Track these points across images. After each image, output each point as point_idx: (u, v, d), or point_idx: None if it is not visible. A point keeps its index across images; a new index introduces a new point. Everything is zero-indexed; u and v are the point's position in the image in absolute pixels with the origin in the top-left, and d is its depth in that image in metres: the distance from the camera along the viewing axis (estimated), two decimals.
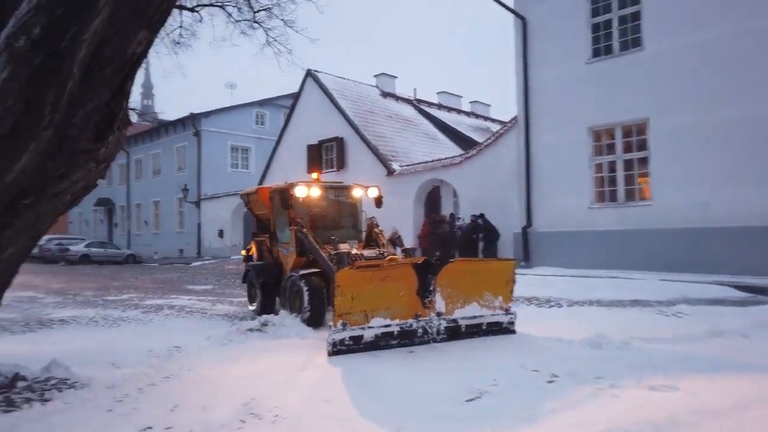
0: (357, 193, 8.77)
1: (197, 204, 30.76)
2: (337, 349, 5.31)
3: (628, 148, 13.86)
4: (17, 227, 4.22)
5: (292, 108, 24.98)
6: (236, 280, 14.99)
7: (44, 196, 4.27)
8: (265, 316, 6.74)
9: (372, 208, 8.86)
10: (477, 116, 30.66)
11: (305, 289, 6.97)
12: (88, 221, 41.61)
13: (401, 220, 17.92)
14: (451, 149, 24.34)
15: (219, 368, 4.89)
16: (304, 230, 7.73)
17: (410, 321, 5.66)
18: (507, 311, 6.29)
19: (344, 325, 5.34)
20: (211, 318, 8.36)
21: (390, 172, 19.86)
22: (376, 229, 8.28)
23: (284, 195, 8.09)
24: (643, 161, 13.52)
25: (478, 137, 25.73)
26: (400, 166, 19.94)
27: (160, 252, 33.24)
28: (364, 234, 8.58)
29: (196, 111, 30.93)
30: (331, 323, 5.53)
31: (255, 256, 9.52)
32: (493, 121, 31.71)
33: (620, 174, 13.93)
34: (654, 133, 13.19)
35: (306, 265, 7.63)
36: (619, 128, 13.89)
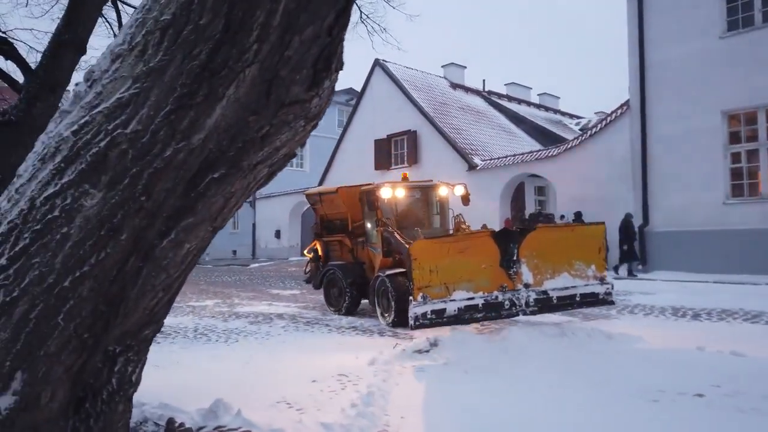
0: (443, 191, 8.60)
1: (252, 204, 29.75)
2: (420, 323, 5.40)
3: None
4: (199, 213, 2.77)
5: (358, 101, 23.61)
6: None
7: (238, 168, 2.80)
8: (434, 336, 5.26)
9: (458, 206, 8.64)
10: (547, 109, 28.78)
11: (391, 289, 6.93)
12: None
13: (484, 219, 16.08)
14: (528, 143, 22.62)
15: (436, 415, 3.42)
16: (390, 229, 7.61)
17: (496, 293, 5.69)
18: (602, 280, 6.18)
19: (424, 298, 5.42)
20: (342, 332, 6.94)
21: (471, 166, 18.26)
22: (463, 226, 8.18)
23: (371, 196, 8.18)
24: None
25: (555, 130, 23.93)
26: (482, 161, 18.32)
27: (212, 253, 32.38)
28: (451, 232, 8.33)
29: None
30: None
31: (321, 257, 9.48)
32: (563, 114, 29.79)
33: (764, 164, 12.04)
34: None
35: (393, 265, 7.54)
36: (762, 111, 12.00)
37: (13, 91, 10.36)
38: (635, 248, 12.84)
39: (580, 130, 26.05)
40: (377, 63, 22.25)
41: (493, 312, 5.68)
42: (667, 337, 5.54)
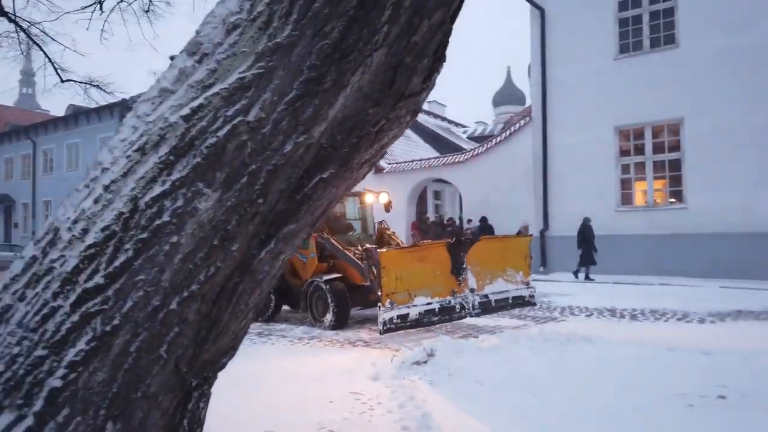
0: (369, 198, 8.86)
1: None
2: (387, 328, 5.70)
3: (658, 149, 13.39)
4: (302, 219, 2.32)
5: None
6: None
7: (348, 167, 2.38)
8: (429, 345, 5.06)
9: (380, 213, 9.05)
10: (435, 116, 29.78)
11: (329, 294, 7.11)
12: None
13: (391, 222, 16.13)
14: (424, 148, 23.19)
15: None
16: (325, 235, 7.74)
17: (449, 298, 6.18)
18: (528, 285, 7.01)
19: (392, 304, 5.74)
20: (305, 342, 6.44)
21: (378, 169, 18.26)
22: (388, 232, 8.50)
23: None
24: (675, 163, 13.10)
25: (449, 137, 24.84)
26: (389, 164, 18.42)
27: None
28: (374, 237, 8.64)
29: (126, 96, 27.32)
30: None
31: None
32: (450, 122, 31.05)
33: (650, 176, 13.44)
34: (689, 134, 12.79)
35: (327, 270, 7.70)
36: (649, 128, 13.39)
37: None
38: (593, 252, 12.75)
39: (467, 138, 27.34)
40: None
41: (447, 315, 6.19)
42: (631, 338, 5.85)
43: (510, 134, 15.59)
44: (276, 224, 2.18)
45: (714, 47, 12.39)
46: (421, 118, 26.88)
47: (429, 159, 17.57)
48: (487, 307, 6.53)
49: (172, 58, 2.29)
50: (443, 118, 30.57)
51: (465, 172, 16.17)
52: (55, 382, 1.79)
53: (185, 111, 1.92)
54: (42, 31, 11.98)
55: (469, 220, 15.45)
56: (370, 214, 9.07)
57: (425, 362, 4.89)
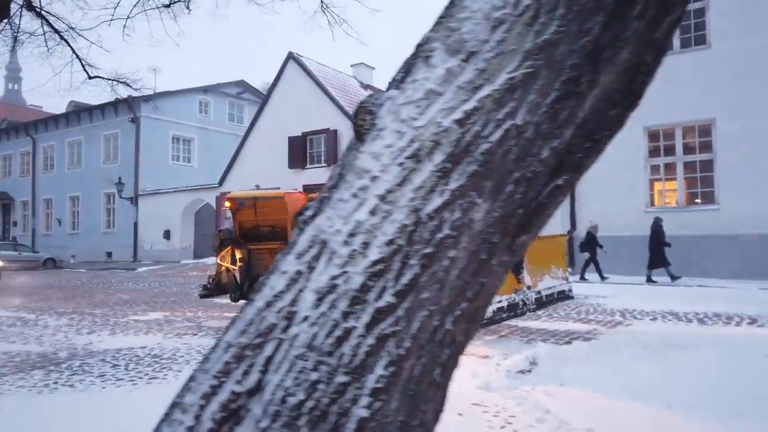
0: None
1: (134, 201, 26.76)
2: None
3: (688, 150, 13.43)
4: (534, 229, 2.19)
5: (268, 95, 22.33)
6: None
7: (579, 174, 2.26)
8: (532, 352, 4.97)
9: None
10: None
11: None
12: None
13: None
14: None
15: None
16: None
17: (512, 295, 6.38)
18: (566, 280, 7.40)
19: None
20: None
21: None
22: None
23: None
24: (705, 164, 13.14)
25: None
26: None
27: (80, 255, 28.59)
28: None
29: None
30: None
31: (241, 265, 8.80)
32: None
33: (680, 176, 13.48)
34: (721, 135, 12.84)
35: None
36: (679, 129, 13.42)
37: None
38: (665, 253, 12.42)
39: None
40: (291, 57, 21.23)
41: (512, 312, 6.42)
42: (720, 343, 5.80)
43: None
44: (514, 236, 2.09)
45: (745, 48, 12.43)
46: None
47: None
48: (540, 303, 6.88)
49: (419, 45, 2.14)
50: None
51: None
52: (361, 411, 1.67)
53: (458, 115, 1.80)
54: (69, 27, 11.70)
55: None
56: None
57: (529, 371, 4.80)
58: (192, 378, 1.72)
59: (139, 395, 4.70)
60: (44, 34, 11.87)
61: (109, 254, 27.90)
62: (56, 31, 11.50)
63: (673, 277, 12.44)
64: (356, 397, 1.63)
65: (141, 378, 5.26)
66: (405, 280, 1.65)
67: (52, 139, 31.27)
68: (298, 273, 1.75)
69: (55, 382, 5.19)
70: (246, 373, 1.70)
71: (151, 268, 22.79)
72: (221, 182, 23.45)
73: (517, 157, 1.84)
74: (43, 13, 11.17)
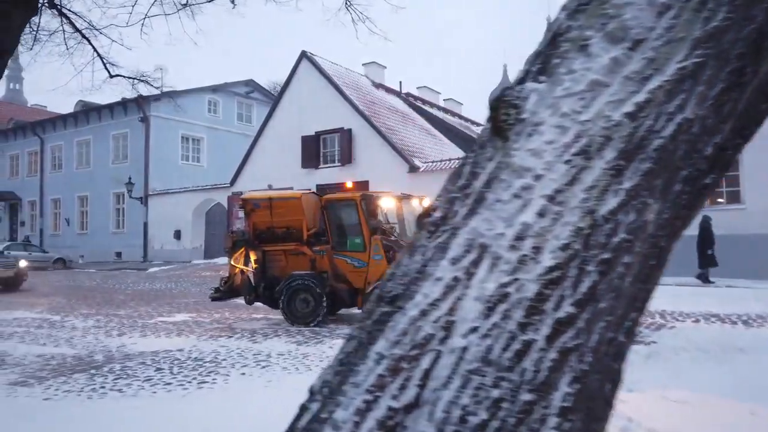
0: (416, 203, 8.99)
1: (143, 200, 26.65)
2: None
3: None
4: (679, 231, 2.07)
5: (281, 94, 22.20)
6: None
7: (723, 172, 2.14)
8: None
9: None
10: (453, 114, 29.60)
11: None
12: None
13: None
14: (450, 146, 23.00)
15: None
16: (393, 238, 8.10)
17: None
18: None
19: None
20: None
21: (413, 168, 18.02)
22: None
23: (371, 204, 8.27)
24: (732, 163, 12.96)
25: (474, 136, 24.62)
26: (423, 163, 18.18)
27: (89, 255, 28.45)
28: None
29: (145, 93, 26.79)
30: None
31: (254, 266, 8.76)
32: (467, 120, 30.88)
33: None
34: None
35: None
36: None
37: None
38: (713, 253, 12.12)
39: None
40: (304, 55, 21.11)
41: None
42: None
43: None
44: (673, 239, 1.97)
45: None
46: (440, 116, 26.70)
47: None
48: None
49: (558, 35, 2.00)
50: (461, 117, 30.41)
51: None
52: None
53: (629, 107, 1.66)
54: (90, 25, 11.57)
55: None
56: (409, 217, 9.01)
57: None
58: (339, 391, 1.60)
59: (193, 400, 4.60)
60: (63, 32, 11.75)
61: (119, 254, 27.79)
62: (77, 30, 11.37)
63: (707, 280, 12.27)
64: (544, 417, 1.50)
65: (190, 382, 5.15)
66: (583, 288, 1.53)
67: (60, 138, 31.15)
68: (455, 280, 1.62)
69: (102, 387, 5.08)
70: (403, 388, 1.57)
71: (163, 268, 22.67)
72: (233, 182, 23.33)
73: (685, 154, 1.71)
74: (64, 11, 11.05)
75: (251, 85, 32.25)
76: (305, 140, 20.81)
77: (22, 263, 15.61)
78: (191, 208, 24.93)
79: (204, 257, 24.74)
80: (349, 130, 19.78)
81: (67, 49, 12.20)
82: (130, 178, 26.15)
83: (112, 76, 12.48)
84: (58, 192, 31.35)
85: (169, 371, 5.61)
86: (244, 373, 5.38)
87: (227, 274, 9.24)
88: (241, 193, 22.35)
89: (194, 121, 28.83)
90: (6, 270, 14.80)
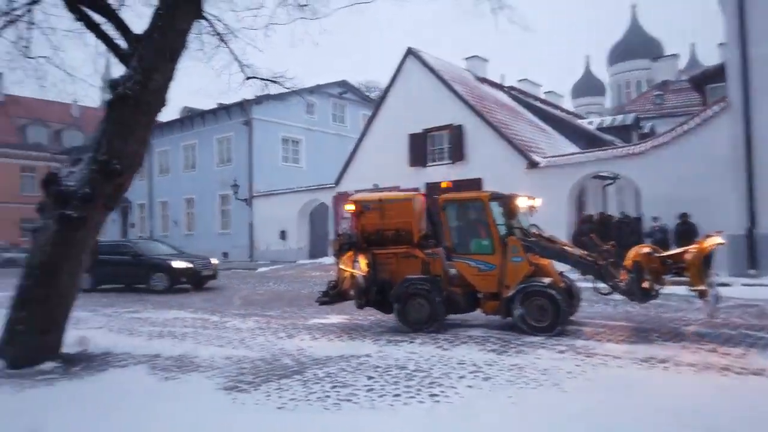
0: (524, 202, 8.55)
1: (248, 202, 27.35)
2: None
3: None
4: None
5: (385, 92, 22.00)
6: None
7: None
8: None
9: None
10: (555, 107, 28.35)
11: (560, 299, 7.26)
12: None
13: (547, 223, 13.98)
14: (565, 142, 21.92)
15: None
16: (532, 239, 7.90)
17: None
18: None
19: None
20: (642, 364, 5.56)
21: (532, 164, 17.21)
22: (545, 235, 8.24)
23: (509, 204, 8.04)
24: None
25: (584, 130, 23.40)
26: (544, 158, 17.33)
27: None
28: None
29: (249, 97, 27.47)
30: None
31: (365, 269, 8.53)
32: (568, 112, 29.50)
33: None
34: None
35: (534, 274, 7.67)
36: None
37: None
38: None
39: (597, 129, 25.77)
40: (410, 52, 20.77)
41: None
42: None
43: (702, 122, 14.14)
44: None
45: None
46: (551, 109, 25.58)
47: (594, 151, 16.35)
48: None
49: None
50: (563, 109, 29.10)
51: (644, 165, 14.85)
52: None
53: None
54: (228, 28, 11.69)
55: (655, 218, 14.16)
56: (524, 217, 8.56)
57: None
58: None
59: (445, 415, 4.22)
60: (201, 35, 11.93)
61: (225, 254, 28.64)
62: (217, 33, 11.55)
63: None
64: None
65: (419, 394, 4.80)
66: None
67: (167, 143, 32.60)
68: None
69: (326, 395, 4.83)
70: None
71: (272, 268, 23.07)
72: (337, 182, 23.40)
73: None
74: (205, 15, 11.20)
75: (344, 86, 32.42)
76: (412, 138, 20.46)
77: (214, 261, 16.34)
78: (296, 209, 25.28)
79: (308, 257, 25.01)
80: (459, 127, 19.22)
81: (204, 53, 12.42)
82: (235, 181, 26.92)
83: (247, 78, 12.62)
84: (166, 195, 32.86)
85: (381, 379, 5.30)
86: (470, 386, 4.96)
87: (335, 278, 9.00)
88: (347, 193, 22.39)
89: (293, 123, 29.29)
90: (207, 270, 15.61)
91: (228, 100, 24.81)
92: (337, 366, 5.97)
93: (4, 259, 31.06)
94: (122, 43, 7.82)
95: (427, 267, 8.25)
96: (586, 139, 21.92)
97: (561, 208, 16.30)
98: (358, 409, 4.46)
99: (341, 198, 22.21)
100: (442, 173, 19.01)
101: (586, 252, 7.94)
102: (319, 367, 5.98)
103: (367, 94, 37.22)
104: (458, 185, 15.22)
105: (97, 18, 7.82)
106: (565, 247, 8.22)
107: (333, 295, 8.84)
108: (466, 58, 23.84)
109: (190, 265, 15.26)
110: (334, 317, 9.56)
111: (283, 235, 25.76)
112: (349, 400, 4.69)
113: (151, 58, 7.37)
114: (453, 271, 8.28)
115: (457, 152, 19.30)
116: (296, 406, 4.61)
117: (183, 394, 5.04)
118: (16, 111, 39.03)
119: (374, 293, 8.43)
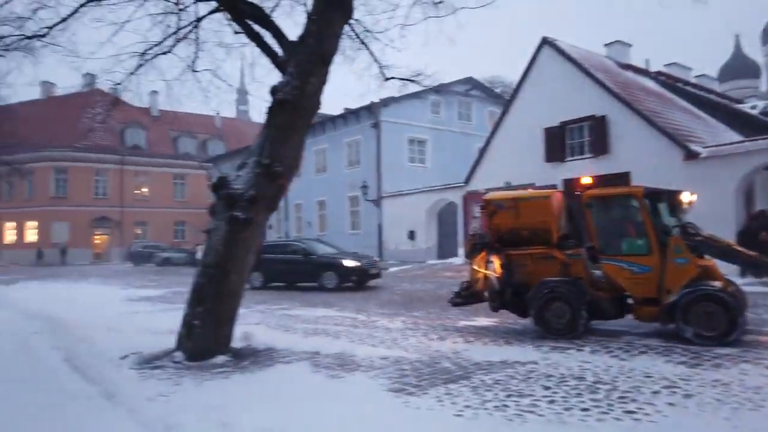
0: (686, 198, 7.72)
1: (377, 202, 27.81)
2: None
3: None
4: None
5: (518, 86, 21.18)
6: None
7: None
8: None
9: None
10: (709, 91, 25.48)
11: (735, 306, 6.45)
12: None
13: (708, 220, 11.89)
14: (725, 130, 19.59)
15: None
16: (699, 237, 7.09)
17: None
18: None
19: None
20: None
21: (691, 155, 15.49)
22: (702, 232, 7.33)
23: (674, 200, 7.44)
24: None
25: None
26: (705, 147, 15.54)
27: None
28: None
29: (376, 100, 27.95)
30: None
31: (499, 271, 8.10)
32: (723, 97, 26.40)
33: None
34: None
35: (699, 277, 6.84)
36: None
37: None
38: None
39: (761, 114, 22.74)
40: (545, 42, 19.75)
41: None
42: None
43: None
44: None
45: None
46: (705, 94, 23.06)
47: (766, 138, 14.31)
48: None
49: None
50: (717, 93, 26.10)
51: None
52: None
53: None
54: (367, 30, 11.77)
55: None
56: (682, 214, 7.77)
57: None
58: None
59: None
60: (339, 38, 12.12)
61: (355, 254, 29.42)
62: (357, 36, 11.69)
63: None
64: None
65: (610, 408, 4.28)
66: None
67: None
68: None
69: (504, 405, 4.48)
70: None
71: (402, 268, 23.18)
72: (467, 180, 22.96)
73: None
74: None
75: (470, 83, 31.86)
76: (548, 132, 19.43)
77: (377, 260, 17.14)
78: (424, 209, 25.22)
79: (437, 257, 24.83)
80: (603, 117, 17.87)
81: (345, 56, 12.65)
82: (365, 182, 27.49)
83: (386, 79, 12.67)
84: (299, 197, 34.46)
85: (560, 390, 4.85)
86: (672, 403, 4.35)
87: (467, 278, 8.67)
88: (477, 192, 21.88)
89: (418, 123, 29.33)
90: (373, 268, 16.26)
91: (356, 104, 25.49)
92: (504, 373, 5.60)
93: (162, 258, 34.46)
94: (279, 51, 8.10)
95: (567, 269, 7.74)
96: (751, 127, 19.36)
97: (727, 204, 14.48)
98: (545, 422, 4.07)
99: (471, 197, 21.71)
100: (582, 168, 17.78)
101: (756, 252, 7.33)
102: (483, 372, 5.65)
103: (495, 90, 36.31)
104: (602, 181, 14.07)
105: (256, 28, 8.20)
106: (735, 247, 7.43)
107: (466, 296, 8.63)
108: (606, 44, 22.19)
109: (360, 264, 15.53)
110: (483, 320, 9.19)
111: (411, 235, 25.82)
112: (531, 412, 4.30)
113: (306, 63, 7.54)
114: (598, 273, 7.69)
115: (600, 145, 17.96)
116: (475, 414, 4.32)
117: (354, 394, 4.97)
118: (170, 124, 43.45)
119: (509, 295, 8.06)
